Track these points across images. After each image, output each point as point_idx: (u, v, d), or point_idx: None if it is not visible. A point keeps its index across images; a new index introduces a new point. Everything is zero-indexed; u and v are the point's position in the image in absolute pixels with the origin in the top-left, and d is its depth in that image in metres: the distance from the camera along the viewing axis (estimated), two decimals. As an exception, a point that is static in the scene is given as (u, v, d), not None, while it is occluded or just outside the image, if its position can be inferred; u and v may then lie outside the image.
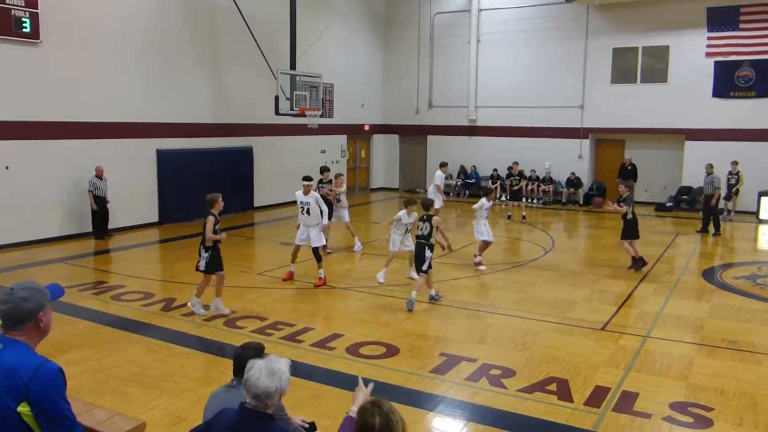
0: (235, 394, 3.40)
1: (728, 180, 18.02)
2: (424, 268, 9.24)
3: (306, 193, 10.45)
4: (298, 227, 10.67)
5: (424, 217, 9.44)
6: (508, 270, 11.78)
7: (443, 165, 15.79)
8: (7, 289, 2.78)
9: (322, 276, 10.45)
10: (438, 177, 15.35)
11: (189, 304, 8.86)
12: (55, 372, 2.67)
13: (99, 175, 13.84)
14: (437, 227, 9.43)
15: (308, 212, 10.44)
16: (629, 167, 19.96)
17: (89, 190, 13.76)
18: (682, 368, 6.93)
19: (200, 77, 16.81)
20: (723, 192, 18.09)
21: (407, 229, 10.27)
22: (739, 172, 17.92)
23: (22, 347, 2.71)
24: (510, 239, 15.29)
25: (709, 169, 15.95)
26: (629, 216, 11.57)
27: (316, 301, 9.72)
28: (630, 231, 11.63)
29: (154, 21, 15.38)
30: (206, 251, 8.53)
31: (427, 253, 9.22)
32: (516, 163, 19.96)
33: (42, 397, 2.60)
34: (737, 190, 18.06)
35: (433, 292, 9.55)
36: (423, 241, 9.28)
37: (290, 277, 10.70)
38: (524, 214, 18.18)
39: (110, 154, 14.32)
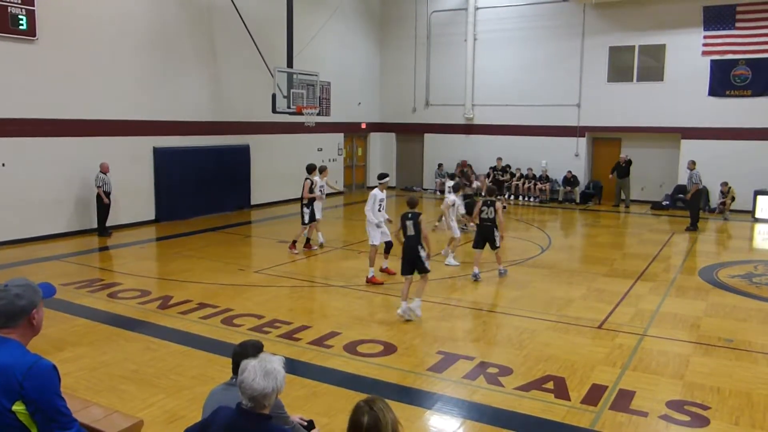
0: (234, 392, 3.39)
1: (720, 198, 18.30)
2: (498, 244, 10.44)
3: (383, 190, 10.86)
4: (379, 226, 10.79)
5: (489, 201, 10.67)
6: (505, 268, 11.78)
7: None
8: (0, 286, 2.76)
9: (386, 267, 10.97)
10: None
11: (401, 311, 8.39)
12: (49, 369, 2.66)
13: (104, 171, 13.82)
14: (497, 212, 10.59)
15: (383, 209, 10.90)
16: (623, 165, 20.03)
17: (98, 186, 13.73)
18: (678, 367, 6.95)
19: (197, 75, 16.77)
20: (715, 200, 18.39)
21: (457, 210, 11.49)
22: (730, 189, 18.19)
23: (15, 345, 2.70)
24: (507, 238, 15.29)
25: (692, 166, 16.27)
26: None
27: (313, 299, 9.72)
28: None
29: (151, 19, 15.34)
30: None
31: (496, 233, 10.41)
32: (499, 159, 20.48)
33: (37, 395, 2.60)
34: (731, 201, 18.29)
35: (501, 268, 10.93)
36: (489, 223, 10.59)
37: (390, 272, 10.88)
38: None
39: (107, 152, 14.25)
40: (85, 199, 14.06)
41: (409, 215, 8.53)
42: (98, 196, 13.76)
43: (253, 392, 2.84)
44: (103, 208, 13.87)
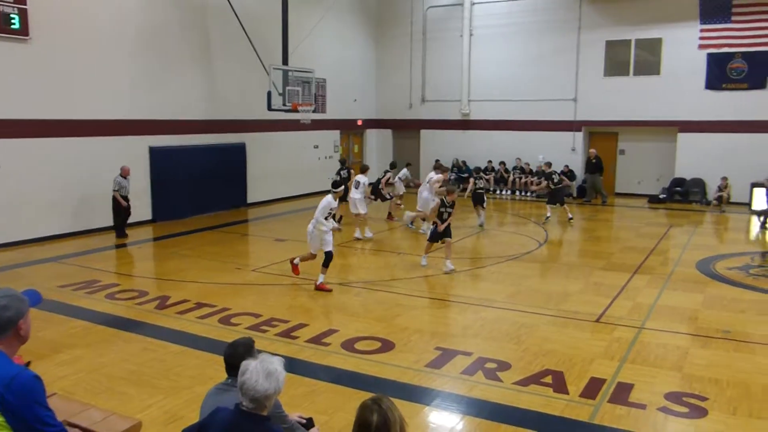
0: (230, 394, 3.38)
1: (717, 192, 18.36)
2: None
3: (336, 199, 10.09)
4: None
5: None
6: (502, 263, 11.79)
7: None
8: None
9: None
10: None
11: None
12: (31, 380, 2.62)
13: (124, 175, 13.77)
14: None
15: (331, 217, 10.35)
16: (593, 160, 20.02)
17: (114, 190, 13.67)
18: (676, 359, 6.96)
19: (192, 74, 16.71)
20: (712, 193, 18.36)
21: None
22: (728, 185, 18.31)
23: None
24: (503, 233, 15.31)
25: None
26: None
27: (310, 297, 9.70)
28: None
29: (146, 17, 15.26)
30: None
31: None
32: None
33: (19, 406, 2.56)
34: (728, 196, 18.28)
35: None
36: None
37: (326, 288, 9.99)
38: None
39: (102, 152, 14.21)
40: (81, 199, 14.00)
41: (449, 205, 10.93)
42: (114, 199, 13.68)
43: (256, 393, 2.82)
44: (121, 211, 13.79)
